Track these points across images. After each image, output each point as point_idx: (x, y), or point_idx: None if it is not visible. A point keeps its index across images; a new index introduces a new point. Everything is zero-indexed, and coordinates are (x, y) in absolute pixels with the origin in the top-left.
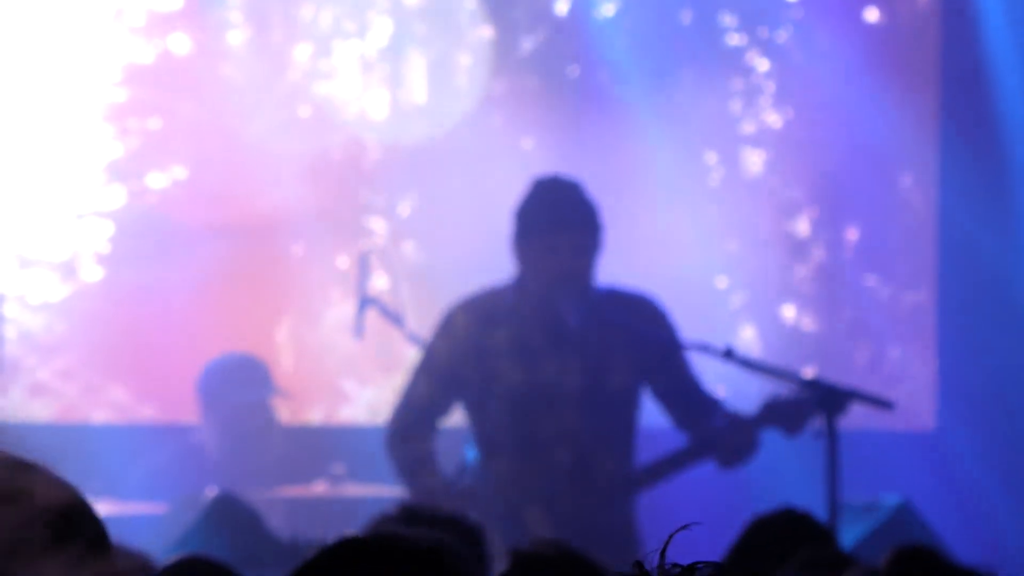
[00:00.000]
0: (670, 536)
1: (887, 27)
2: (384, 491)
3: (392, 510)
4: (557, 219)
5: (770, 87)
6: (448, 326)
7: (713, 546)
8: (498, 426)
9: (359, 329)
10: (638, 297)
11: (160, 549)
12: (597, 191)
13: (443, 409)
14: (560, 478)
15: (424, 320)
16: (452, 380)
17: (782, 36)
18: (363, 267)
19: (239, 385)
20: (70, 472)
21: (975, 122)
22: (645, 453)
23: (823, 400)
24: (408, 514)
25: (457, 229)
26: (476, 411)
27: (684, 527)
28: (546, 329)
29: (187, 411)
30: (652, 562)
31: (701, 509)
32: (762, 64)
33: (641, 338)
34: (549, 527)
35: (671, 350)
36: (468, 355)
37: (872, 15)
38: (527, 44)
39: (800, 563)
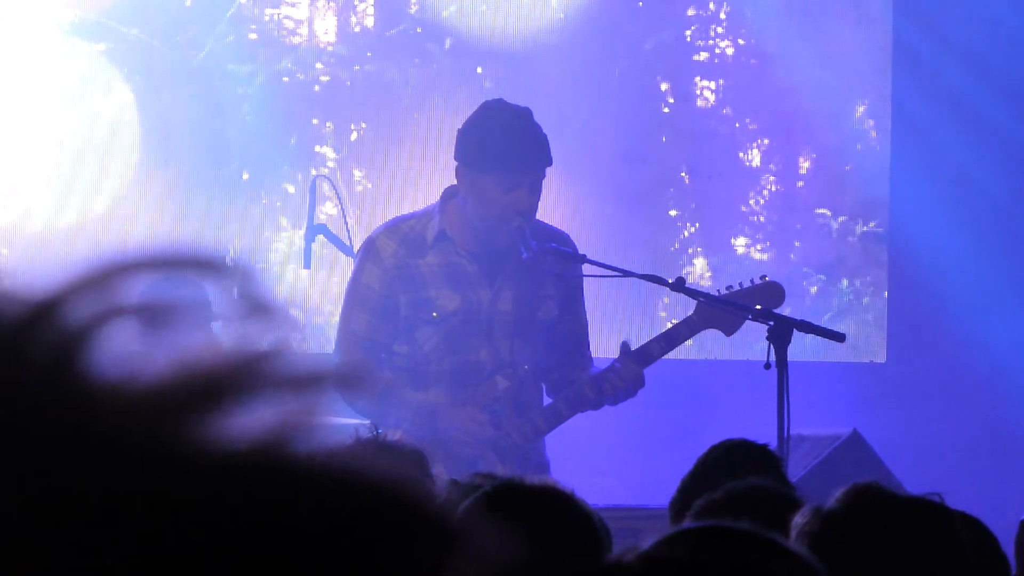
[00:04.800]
0: None
1: None
2: (331, 420)
3: (346, 439)
4: (521, 159)
5: (723, 15)
6: (373, 252)
7: (668, 478)
8: (431, 353)
9: (307, 258)
10: (560, 233)
11: None
12: (550, 118)
13: (386, 336)
14: (501, 404)
15: None
16: (386, 307)
17: None
18: (312, 194)
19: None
20: None
21: (927, 51)
22: None
23: (773, 331)
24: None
25: (407, 157)
26: (407, 338)
27: None
28: (482, 258)
29: None
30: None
31: (651, 441)
32: None
33: (563, 273)
34: (488, 458)
35: (579, 290)
36: (397, 279)
37: None
38: None
39: (739, 492)
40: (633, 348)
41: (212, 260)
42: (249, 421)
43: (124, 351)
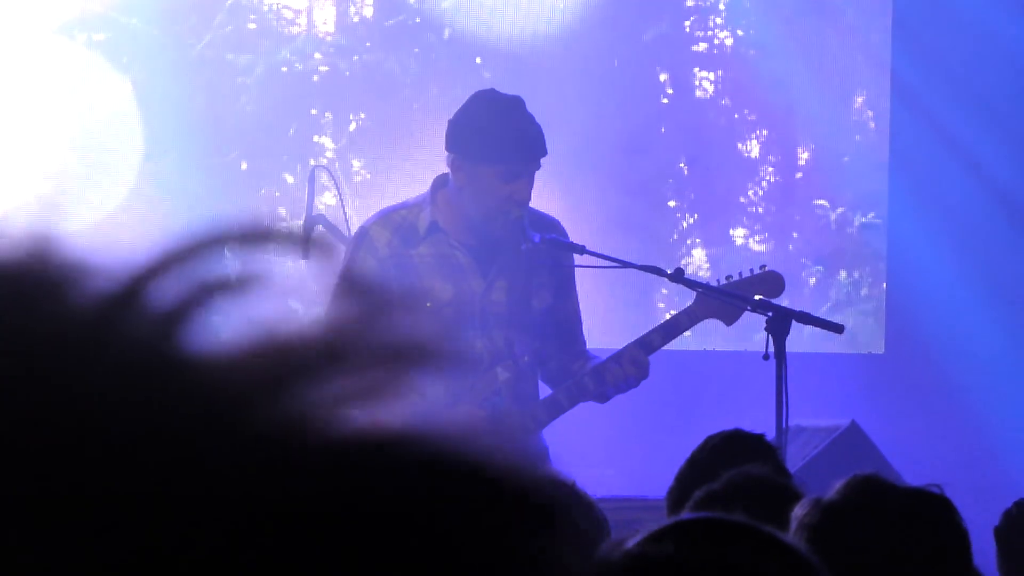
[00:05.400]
0: None
1: None
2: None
3: None
4: (521, 149)
5: (722, 6)
6: (365, 241)
7: (666, 468)
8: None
9: (305, 249)
10: (551, 220)
11: None
12: (549, 109)
13: None
14: (501, 397)
15: None
16: None
17: None
18: (311, 184)
19: None
20: None
21: (927, 42)
22: None
23: (772, 322)
24: None
25: (405, 146)
26: None
27: None
28: (475, 248)
29: None
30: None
31: (649, 432)
32: None
33: (558, 261)
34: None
35: (572, 279)
36: (390, 269)
37: None
38: None
39: (738, 482)
40: (634, 338)
41: (288, 233)
42: (345, 397)
43: (218, 326)
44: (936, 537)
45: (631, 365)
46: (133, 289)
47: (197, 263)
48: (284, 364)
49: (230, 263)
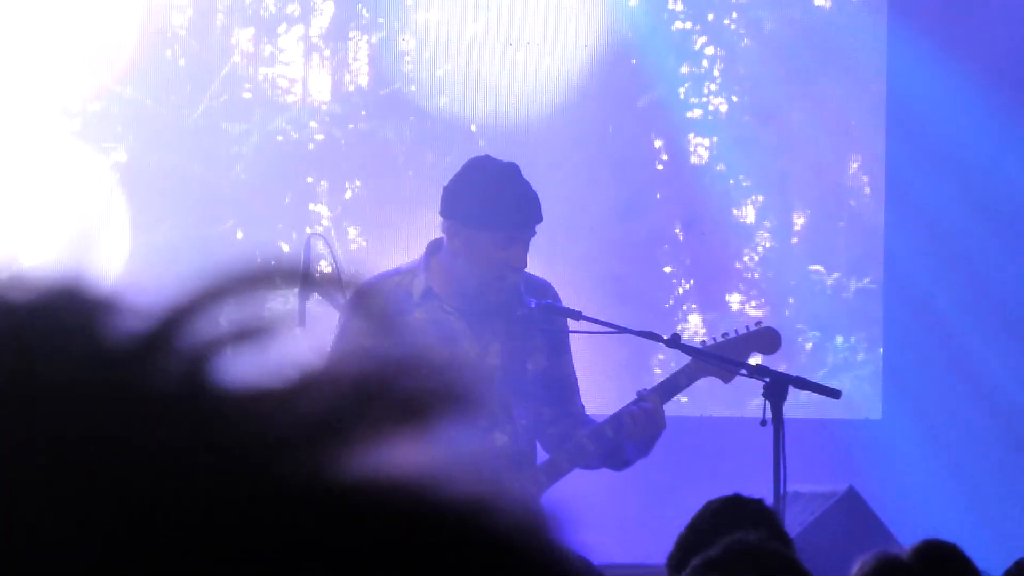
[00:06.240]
0: None
1: (835, 11)
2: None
3: None
4: (517, 216)
5: (716, 72)
6: (360, 306)
7: (664, 535)
8: None
9: (302, 316)
10: (544, 283)
11: None
12: (545, 175)
13: None
14: (499, 462)
15: None
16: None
17: (729, 21)
18: (307, 252)
19: None
20: None
21: (921, 107)
22: None
23: (769, 388)
24: None
25: (400, 213)
26: None
27: None
28: (469, 313)
29: None
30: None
31: (647, 498)
32: (709, 49)
33: (552, 324)
34: None
35: (567, 342)
36: (385, 333)
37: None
38: (472, 27)
39: (724, 546)
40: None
41: (294, 273)
42: (371, 440)
43: (248, 367)
44: None
45: (649, 412)
46: (165, 327)
47: (229, 303)
48: (315, 409)
49: (262, 304)
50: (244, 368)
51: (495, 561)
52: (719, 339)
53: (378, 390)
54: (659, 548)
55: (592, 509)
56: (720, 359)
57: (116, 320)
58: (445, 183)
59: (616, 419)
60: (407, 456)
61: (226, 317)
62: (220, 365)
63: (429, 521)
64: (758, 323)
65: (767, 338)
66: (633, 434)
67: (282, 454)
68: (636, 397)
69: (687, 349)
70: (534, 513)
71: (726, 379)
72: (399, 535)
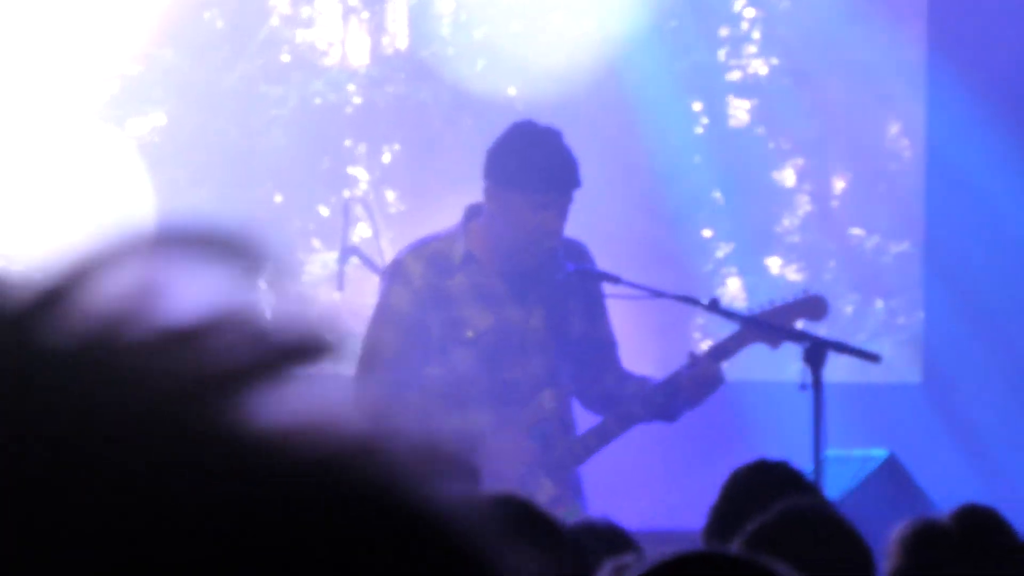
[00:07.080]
0: None
1: None
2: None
3: None
4: (554, 178)
5: (756, 35)
6: (401, 273)
7: (701, 500)
8: (468, 374)
9: (340, 280)
10: (579, 245)
11: None
12: (583, 139)
13: (415, 359)
14: (549, 423)
15: None
16: (417, 329)
17: None
18: (346, 216)
19: None
20: None
21: (963, 70)
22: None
23: (809, 352)
24: None
25: (439, 177)
26: (439, 360)
27: None
28: (510, 277)
29: None
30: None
31: (685, 464)
32: (749, 11)
33: (589, 287)
34: (537, 476)
35: (604, 304)
36: (427, 300)
37: None
38: None
39: (779, 513)
40: (669, 371)
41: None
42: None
43: (168, 316)
44: None
45: (704, 371)
46: (66, 284)
47: (133, 263)
48: (215, 357)
49: (166, 263)
50: (152, 326)
51: (359, 514)
52: (765, 306)
53: (274, 333)
54: (696, 514)
55: (628, 475)
56: (760, 323)
57: (14, 284)
58: (485, 146)
59: (670, 384)
60: (315, 400)
61: (135, 276)
62: (135, 322)
63: (301, 470)
64: (804, 290)
65: (815, 305)
66: (692, 398)
67: (183, 403)
68: (689, 360)
69: (726, 313)
70: (429, 457)
71: (774, 345)
72: (276, 485)
